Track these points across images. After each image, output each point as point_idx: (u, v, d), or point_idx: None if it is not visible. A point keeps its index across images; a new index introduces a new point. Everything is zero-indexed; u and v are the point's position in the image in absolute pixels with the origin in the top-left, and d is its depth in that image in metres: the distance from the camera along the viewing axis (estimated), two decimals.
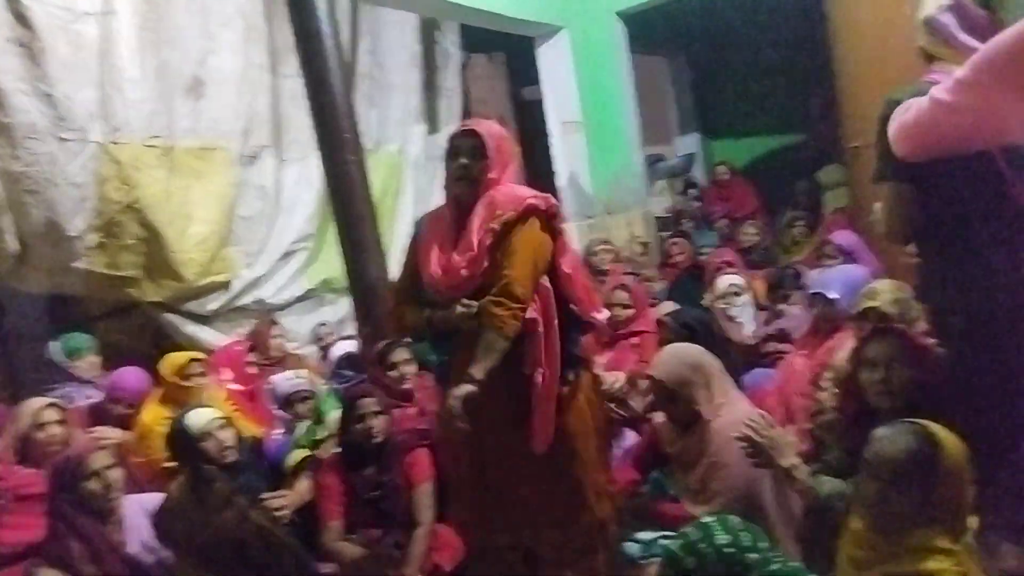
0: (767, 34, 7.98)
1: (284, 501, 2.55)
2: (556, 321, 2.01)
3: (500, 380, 1.94)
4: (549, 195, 2.05)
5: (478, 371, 1.84)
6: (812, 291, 3.16)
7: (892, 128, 1.67)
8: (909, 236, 1.84)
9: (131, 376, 3.37)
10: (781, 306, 3.86)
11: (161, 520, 1.99)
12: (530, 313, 1.94)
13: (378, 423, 2.64)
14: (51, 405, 2.78)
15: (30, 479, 2.57)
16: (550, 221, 2.01)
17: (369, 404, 2.65)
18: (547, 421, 1.99)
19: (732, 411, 2.36)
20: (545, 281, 2.00)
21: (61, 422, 2.72)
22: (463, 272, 1.94)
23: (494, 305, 1.87)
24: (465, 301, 1.90)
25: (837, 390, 2.69)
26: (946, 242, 1.80)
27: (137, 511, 2.33)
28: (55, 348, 3.58)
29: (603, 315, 2.16)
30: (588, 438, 2.08)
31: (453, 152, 2.00)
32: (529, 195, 1.98)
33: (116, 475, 2.29)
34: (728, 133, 8.78)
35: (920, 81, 1.85)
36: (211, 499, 1.96)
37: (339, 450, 2.74)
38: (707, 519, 1.57)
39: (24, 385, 4.09)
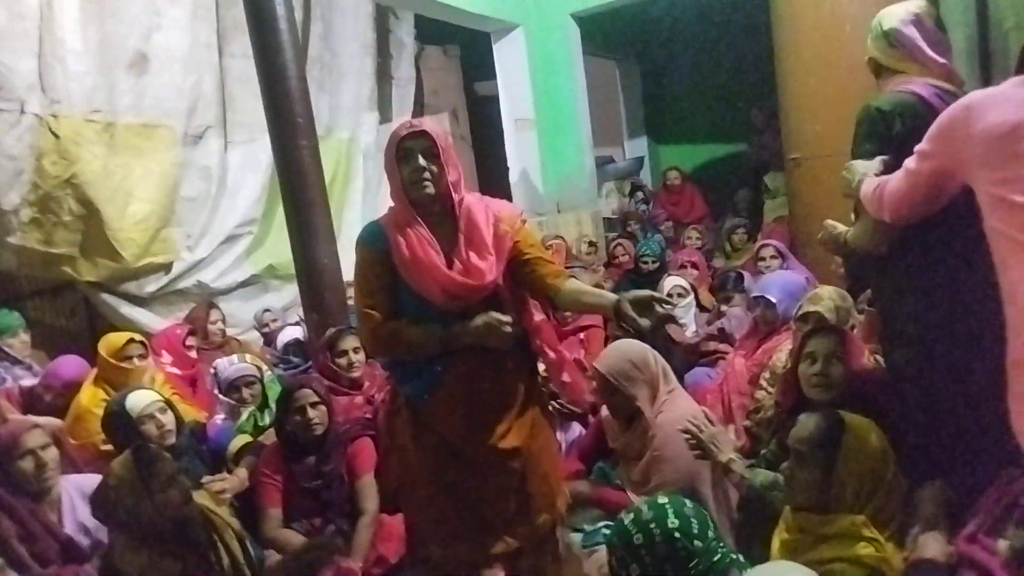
0: (715, 44, 8.19)
1: (225, 485, 2.51)
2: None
3: (485, 380, 1.96)
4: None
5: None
6: (754, 294, 3.28)
7: (876, 199, 1.78)
8: (885, 249, 1.92)
9: (69, 365, 3.27)
10: (723, 307, 3.98)
11: (102, 497, 1.93)
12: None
13: (317, 414, 2.61)
14: None
15: None
16: None
17: (307, 395, 2.61)
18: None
19: (674, 407, 2.46)
20: None
21: None
22: (488, 276, 1.89)
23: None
24: (498, 316, 1.87)
25: (775, 387, 2.82)
26: (909, 253, 1.88)
27: (73, 492, 2.28)
28: None
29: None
30: (550, 432, 2.12)
31: (405, 154, 1.87)
32: (512, 204, 2.09)
33: (51, 455, 2.23)
34: (675, 138, 8.98)
35: (895, 91, 1.94)
36: (155, 477, 1.91)
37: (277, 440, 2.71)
38: (661, 499, 1.60)
39: None
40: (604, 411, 2.76)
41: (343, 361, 3.09)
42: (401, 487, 2.22)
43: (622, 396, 2.47)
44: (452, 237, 1.93)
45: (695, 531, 1.54)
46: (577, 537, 2.49)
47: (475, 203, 1.97)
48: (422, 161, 1.86)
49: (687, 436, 2.17)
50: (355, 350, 3.11)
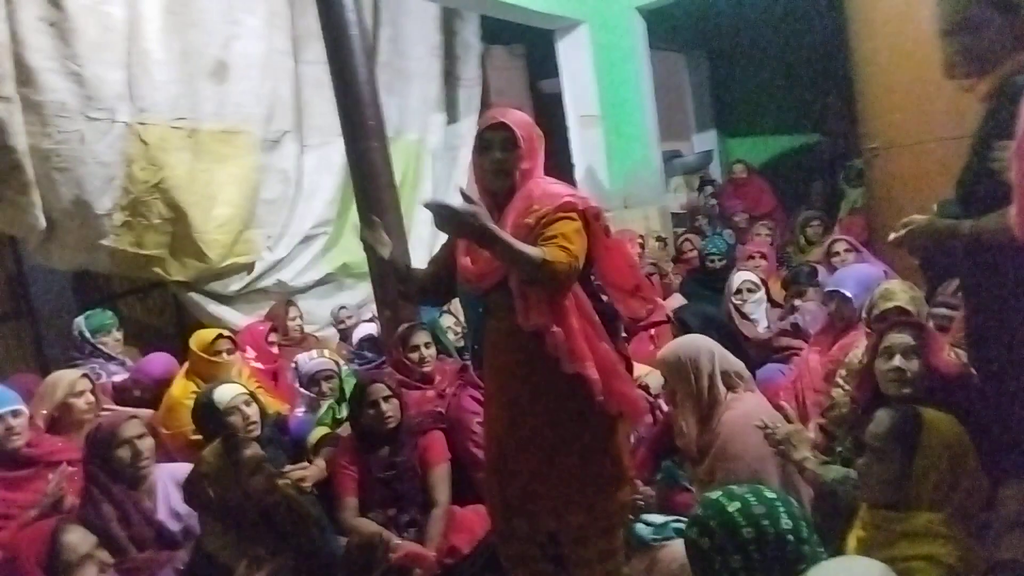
0: (786, 32, 7.98)
1: (305, 473, 2.62)
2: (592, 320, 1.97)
3: (542, 377, 1.96)
4: (589, 196, 2.01)
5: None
6: (828, 289, 3.20)
7: None
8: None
9: (158, 362, 3.48)
10: (796, 302, 3.89)
11: (193, 483, 2.05)
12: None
13: (390, 408, 2.69)
14: (84, 376, 2.89)
15: (59, 447, 2.67)
16: (590, 223, 1.94)
17: (379, 390, 2.69)
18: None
19: (743, 404, 2.40)
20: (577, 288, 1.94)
21: (92, 393, 2.84)
22: (481, 268, 1.93)
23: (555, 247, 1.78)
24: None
25: (851, 383, 2.76)
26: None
27: (167, 480, 2.40)
28: (80, 324, 3.66)
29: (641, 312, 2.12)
30: (619, 422, 2.10)
31: (484, 146, 1.94)
32: (566, 192, 1.94)
33: (147, 444, 2.36)
34: (745, 131, 8.80)
35: None
36: (243, 465, 2.02)
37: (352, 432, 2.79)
38: (769, 494, 1.48)
39: (50, 360, 4.18)
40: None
41: (415, 356, 3.17)
42: None
43: (683, 391, 2.43)
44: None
45: (805, 535, 1.44)
46: (646, 530, 2.48)
47: (528, 191, 1.94)
48: (498, 153, 1.92)
49: (765, 430, 2.15)
50: (426, 345, 3.19)
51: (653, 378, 3.30)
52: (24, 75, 3.34)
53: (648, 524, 2.48)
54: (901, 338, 2.11)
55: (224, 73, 4.33)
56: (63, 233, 3.74)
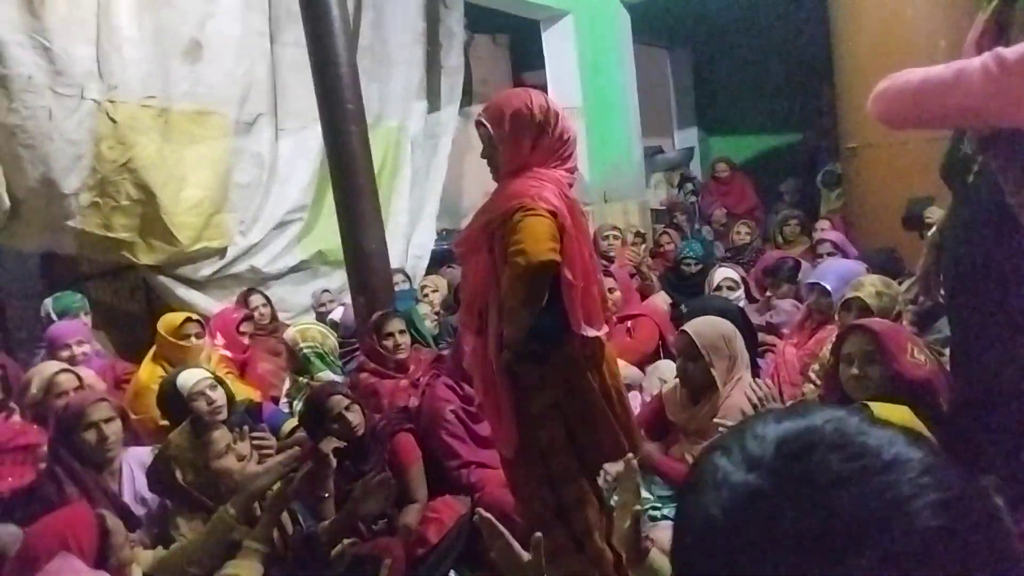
0: (770, 31, 8.01)
1: (272, 443, 2.52)
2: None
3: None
4: (541, 196, 1.91)
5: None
6: (809, 281, 3.20)
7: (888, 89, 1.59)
8: None
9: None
10: (773, 301, 3.89)
11: (159, 466, 2.00)
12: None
13: (354, 417, 2.54)
14: (68, 372, 2.80)
15: (20, 431, 2.59)
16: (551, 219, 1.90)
17: (340, 402, 2.54)
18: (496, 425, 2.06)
19: (744, 384, 2.44)
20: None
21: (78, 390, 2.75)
22: (459, 249, 2.00)
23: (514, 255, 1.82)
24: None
25: (821, 381, 2.75)
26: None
27: (133, 463, 2.35)
28: (48, 306, 3.57)
29: (593, 332, 2.02)
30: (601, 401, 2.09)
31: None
32: (519, 197, 1.90)
33: (114, 428, 2.30)
34: (727, 129, 8.83)
35: None
36: (212, 446, 1.96)
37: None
38: None
39: (15, 342, 4.07)
40: (666, 386, 2.73)
41: (389, 343, 3.11)
42: None
43: (702, 366, 2.43)
44: None
45: None
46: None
47: (502, 190, 1.98)
48: (483, 151, 1.99)
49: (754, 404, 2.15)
50: (400, 332, 3.13)
51: (630, 372, 3.28)
52: None
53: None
54: (859, 343, 2.09)
55: (198, 53, 4.23)
56: (28, 213, 3.63)
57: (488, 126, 1.95)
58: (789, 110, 7.97)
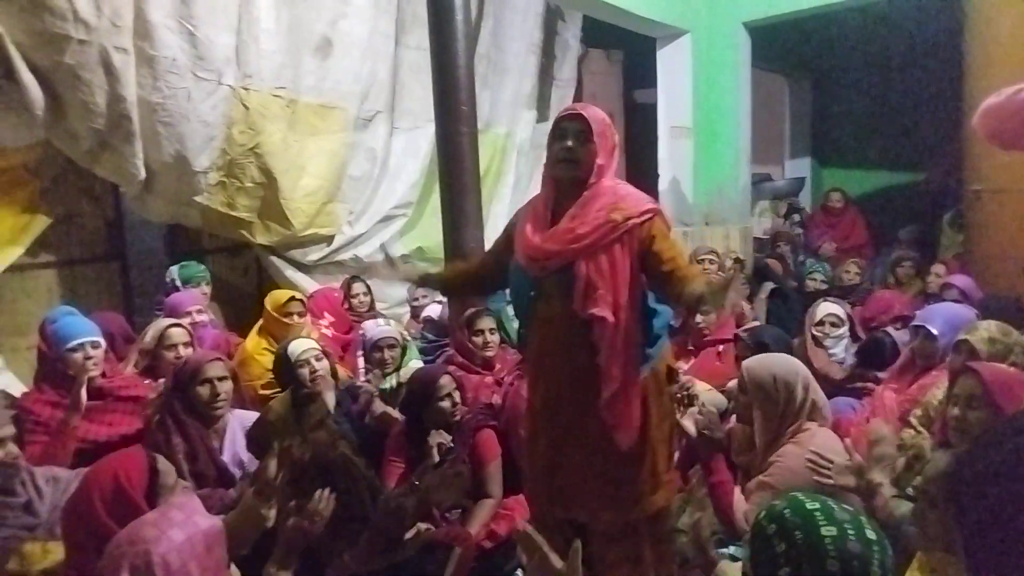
0: (897, 64, 7.69)
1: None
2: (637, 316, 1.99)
3: (584, 367, 1.97)
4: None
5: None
6: (914, 324, 3.05)
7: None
8: None
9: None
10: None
11: (258, 430, 2.12)
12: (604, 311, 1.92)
13: (458, 399, 2.65)
14: (179, 328, 3.03)
15: (131, 382, 2.80)
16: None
17: (450, 383, 2.65)
18: (627, 416, 1.99)
19: (811, 436, 2.24)
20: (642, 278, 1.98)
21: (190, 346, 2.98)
22: (552, 247, 1.95)
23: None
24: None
25: (925, 426, 2.63)
26: None
27: (237, 425, 2.49)
28: (174, 272, 3.82)
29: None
30: (655, 429, 2.08)
31: (559, 134, 1.98)
32: (649, 199, 2.00)
33: (226, 387, 2.45)
34: (842, 161, 8.51)
35: None
36: (308, 418, 2.06)
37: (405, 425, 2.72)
38: (870, 532, 1.22)
39: (136, 307, 4.38)
40: (733, 420, 2.65)
41: (479, 340, 3.18)
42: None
43: (744, 404, 2.33)
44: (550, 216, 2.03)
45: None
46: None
47: (606, 187, 1.98)
48: (570, 142, 1.95)
49: (810, 467, 2.05)
50: (491, 331, 3.20)
51: (710, 396, 3.21)
52: (142, 29, 3.49)
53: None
54: (966, 386, 2.00)
55: (328, 49, 4.46)
56: (160, 186, 3.90)
57: (590, 122, 1.95)
58: (912, 147, 7.61)
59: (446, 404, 2.61)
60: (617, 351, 1.93)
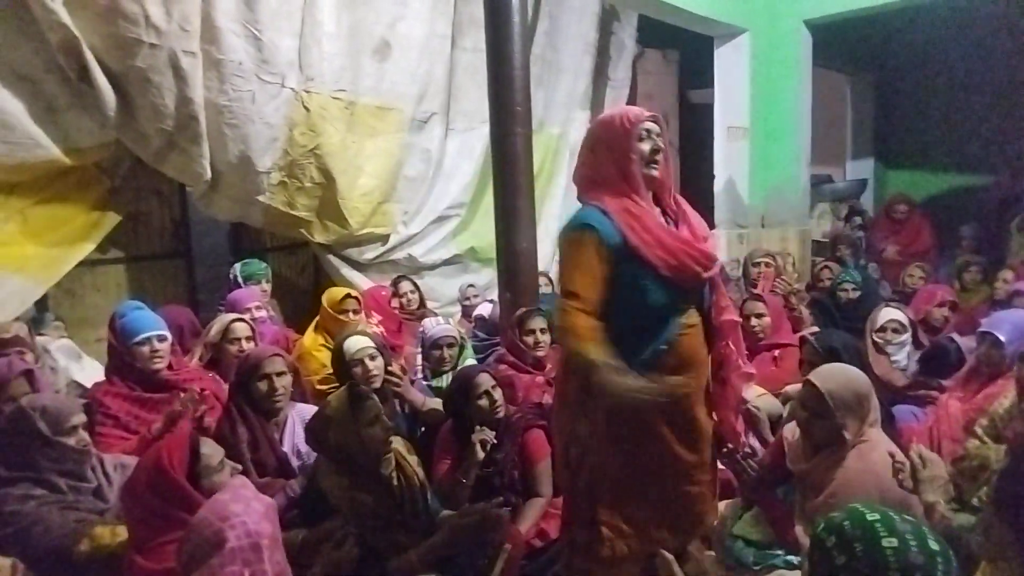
0: (966, 64, 7.41)
1: None
2: None
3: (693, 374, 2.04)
4: None
5: None
6: (981, 330, 2.95)
7: None
8: None
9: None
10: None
11: (317, 425, 2.17)
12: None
13: (498, 395, 2.64)
14: (242, 322, 3.15)
15: (195, 375, 2.90)
16: None
17: (487, 379, 2.65)
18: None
19: (872, 448, 2.21)
20: None
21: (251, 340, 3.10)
22: (711, 251, 2.02)
23: None
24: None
25: (991, 436, 2.54)
26: None
27: (297, 418, 2.56)
28: (236, 269, 3.94)
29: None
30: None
31: (647, 134, 1.95)
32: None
33: (284, 381, 2.52)
34: (907, 163, 8.25)
35: None
36: (363, 414, 2.11)
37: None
38: (933, 544, 1.19)
39: (200, 302, 4.53)
40: (787, 429, 2.60)
41: (530, 340, 3.20)
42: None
43: (829, 423, 2.21)
44: (664, 222, 2.02)
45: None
46: (748, 553, 2.38)
47: (688, 207, 2.08)
48: (660, 142, 1.98)
49: (899, 467, 1.99)
50: (542, 331, 3.20)
51: (764, 401, 3.15)
52: (209, 33, 3.61)
53: (749, 544, 2.38)
54: None
55: (386, 51, 4.53)
56: (225, 185, 4.02)
57: (662, 124, 2.03)
58: (980, 148, 7.33)
59: (484, 402, 2.61)
60: (743, 352, 2.09)
